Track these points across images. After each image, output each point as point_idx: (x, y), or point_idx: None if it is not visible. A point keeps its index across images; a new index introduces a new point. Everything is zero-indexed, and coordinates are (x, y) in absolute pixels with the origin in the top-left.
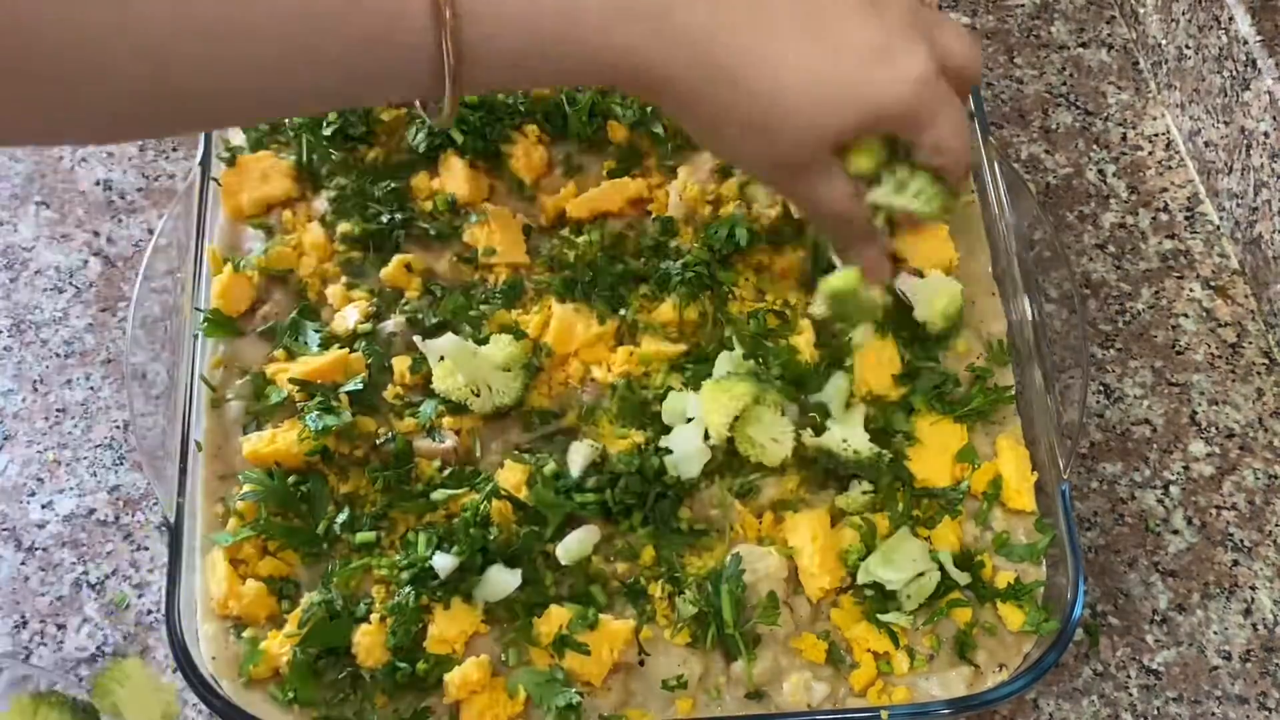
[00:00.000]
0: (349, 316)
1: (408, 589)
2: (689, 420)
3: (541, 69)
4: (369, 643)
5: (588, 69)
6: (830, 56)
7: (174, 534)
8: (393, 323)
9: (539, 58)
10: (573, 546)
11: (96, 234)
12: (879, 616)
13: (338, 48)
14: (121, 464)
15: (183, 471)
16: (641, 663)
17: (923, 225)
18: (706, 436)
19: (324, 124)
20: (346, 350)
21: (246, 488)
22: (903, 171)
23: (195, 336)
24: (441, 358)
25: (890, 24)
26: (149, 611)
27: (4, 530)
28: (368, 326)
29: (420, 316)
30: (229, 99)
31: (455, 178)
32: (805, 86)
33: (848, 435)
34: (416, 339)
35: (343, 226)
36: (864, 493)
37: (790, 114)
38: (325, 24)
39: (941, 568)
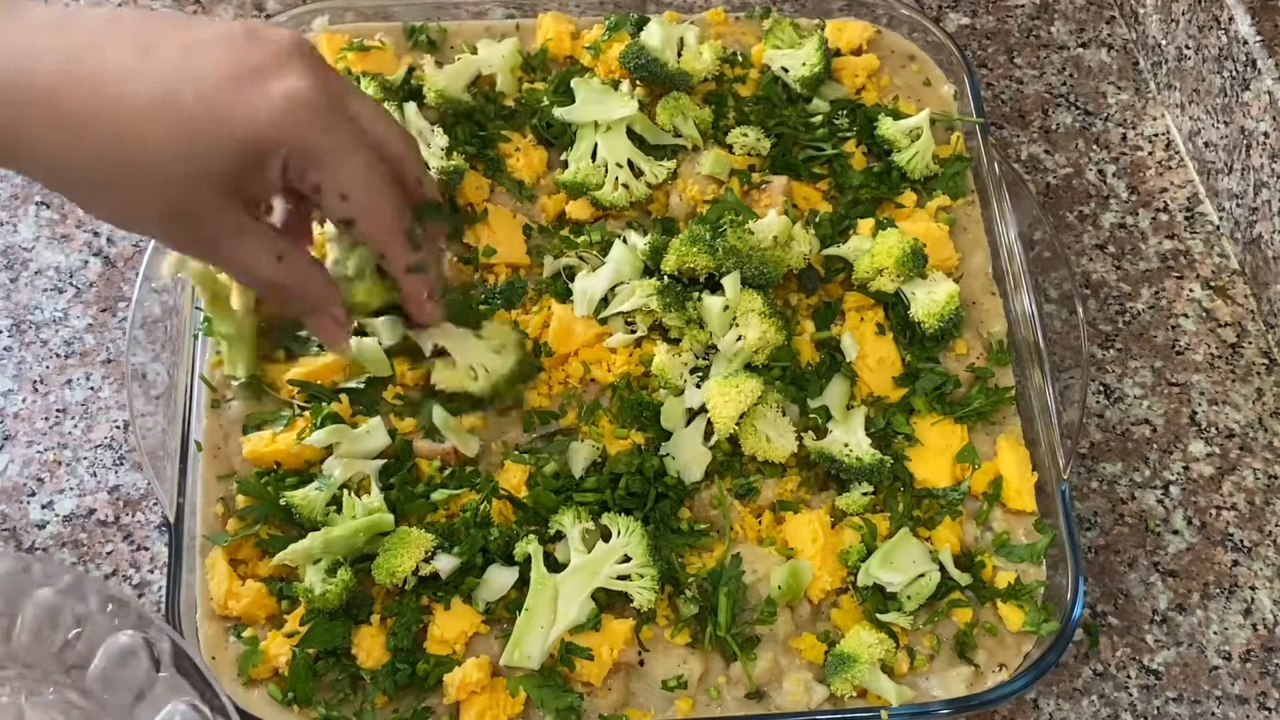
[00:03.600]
0: None
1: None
2: (688, 423)
3: None
4: (369, 643)
5: None
6: (189, 81)
7: (174, 534)
8: None
9: None
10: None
11: (96, 234)
12: (879, 616)
13: None
14: (121, 464)
15: (183, 472)
16: (641, 662)
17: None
18: (707, 437)
19: None
20: None
21: (240, 500)
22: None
23: (195, 336)
24: (436, 348)
25: (267, 50)
26: None
27: (4, 530)
28: None
29: None
30: None
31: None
32: (156, 114)
33: (849, 439)
34: (412, 333)
35: None
36: (864, 494)
37: (145, 148)
38: None
39: (942, 568)
